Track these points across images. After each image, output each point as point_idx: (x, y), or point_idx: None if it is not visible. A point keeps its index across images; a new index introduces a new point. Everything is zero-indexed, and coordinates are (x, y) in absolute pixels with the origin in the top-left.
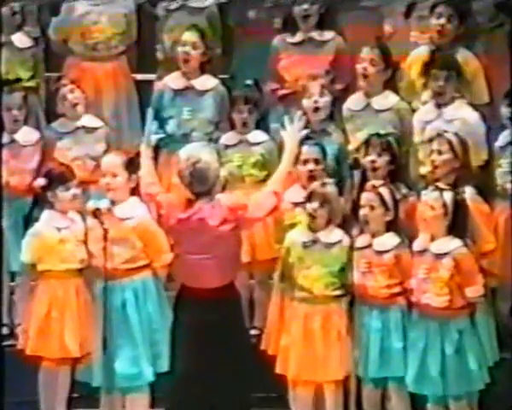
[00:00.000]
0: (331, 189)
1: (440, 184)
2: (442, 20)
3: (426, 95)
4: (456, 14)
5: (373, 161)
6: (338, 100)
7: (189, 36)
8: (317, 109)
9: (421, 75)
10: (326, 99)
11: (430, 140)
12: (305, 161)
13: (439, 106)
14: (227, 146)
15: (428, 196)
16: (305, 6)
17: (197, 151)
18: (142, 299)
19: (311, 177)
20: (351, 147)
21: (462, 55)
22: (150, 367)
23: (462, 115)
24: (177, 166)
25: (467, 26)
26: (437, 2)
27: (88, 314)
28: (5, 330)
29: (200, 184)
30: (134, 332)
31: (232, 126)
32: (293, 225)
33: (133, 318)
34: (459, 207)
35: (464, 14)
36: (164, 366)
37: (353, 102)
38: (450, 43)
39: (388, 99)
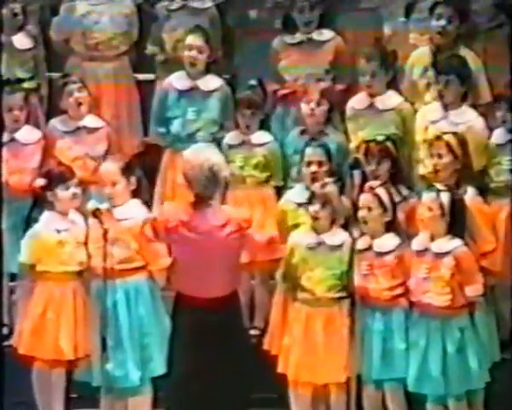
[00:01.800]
0: (331, 188)
1: (438, 185)
2: (442, 22)
3: (428, 96)
4: (456, 15)
5: (373, 171)
6: (338, 101)
7: (194, 39)
8: (312, 116)
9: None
10: (323, 108)
11: (430, 143)
12: (309, 163)
13: (445, 107)
14: (230, 146)
15: (426, 196)
16: (307, 15)
17: (209, 154)
18: (134, 301)
19: (315, 179)
20: (351, 145)
21: (463, 55)
22: (137, 371)
23: (468, 121)
24: (189, 169)
25: (467, 25)
26: (436, 2)
27: (85, 317)
28: (5, 331)
29: (214, 186)
30: (122, 334)
31: (236, 126)
32: (296, 226)
33: (123, 319)
34: (457, 206)
35: (464, 13)
36: (156, 370)
37: (357, 101)
38: (450, 43)
39: (392, 99)
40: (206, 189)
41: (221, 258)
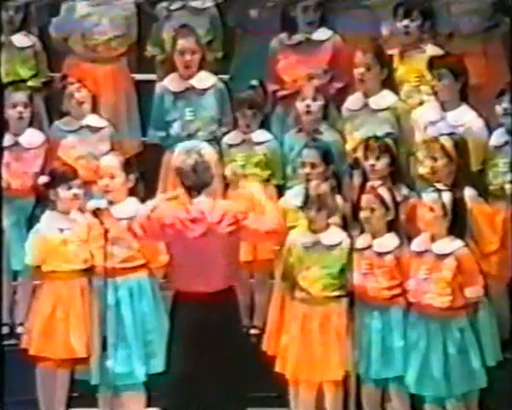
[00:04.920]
0: (324, 188)
1: (439, 185)
2: (406, 21)
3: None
4: (419, 14)
5: (372, 165)
6: (336, 99)
7: (186, 43)
8: (308, 113)
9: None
10: (318, 103)
11: (426, 145)
12: (303, 165)
13: (443, 107)
14: (230, 145)
15: (427, 197)
16: (311, 15)
17: (197, 144)
18: (137, 298)
19: (309, 180)
20: (348, 147)
21: (432, 53)
22: (143, 367)
23: (467, 122)
24: (178, 160)
25: (432, 23)
26: (399, 3)
27: (93, 315)
28: (5, 330)
29: (204, 174)
30: (127, 331)
31: (235, 124)
32: (294, 228)
33: (126, 317)
34: (458, 206)
35: (426, 12)
36: (158, 366)
37: (352, 101)
38: (417, 41)
39: (386, 99)
40: (197, 177)
41: (218, 252)
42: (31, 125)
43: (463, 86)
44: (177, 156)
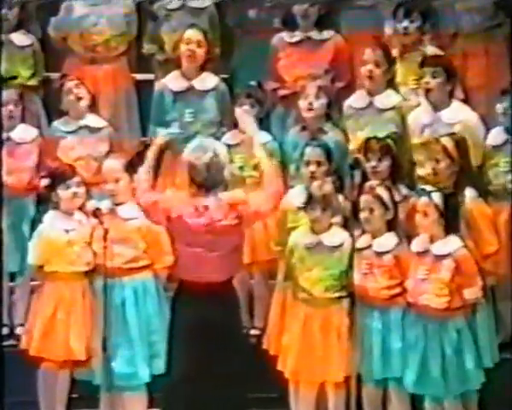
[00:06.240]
0: (328, 188)
1: (427, 187)
2: (405, 23)
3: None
4: (418, 15)
5: (374, 167)
6: (337, 99)
7: (194, 34)
8: (311, 111)
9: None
10: (321, 102)
11: (427, 147)
12: (308, 163)
13: (435, 108)
14: (229, 146)
15: (419, 202)
16: (305, 6)
17: (211, 144)
18: (142, 299)
19: (313, 178)
20: (351, 146)
21: (431, 53)
22: (146, 368)
23: (462, 118)
24: (191, 159)
25: (431, 24)
26: (399, 4)
27: (94, 316)
28: (5, 331)
29: (217, 173)
30: (131, 332)
31: (235, 126)
32: (295, 228)
33: (131, 317)
34: (450, 203)
35: (426, 13)
36: (161, 367)
37: (356, 99)
38: (416, 42)
39: (391, 98)
40: (209, 175)
41: (221, 244)
42: (23, 121)
43: (452, 89)
44: (192, 152)
